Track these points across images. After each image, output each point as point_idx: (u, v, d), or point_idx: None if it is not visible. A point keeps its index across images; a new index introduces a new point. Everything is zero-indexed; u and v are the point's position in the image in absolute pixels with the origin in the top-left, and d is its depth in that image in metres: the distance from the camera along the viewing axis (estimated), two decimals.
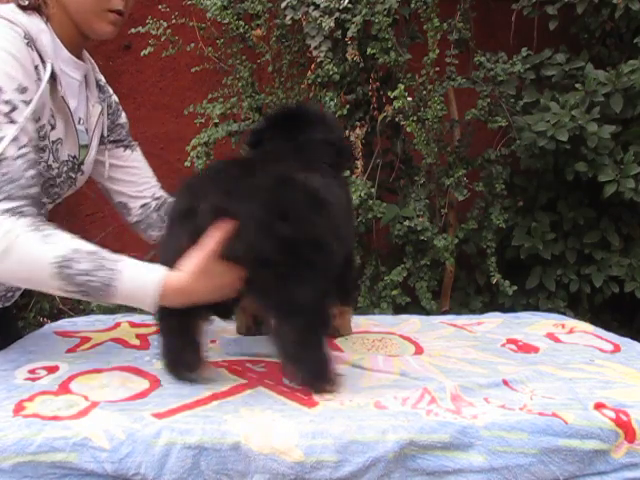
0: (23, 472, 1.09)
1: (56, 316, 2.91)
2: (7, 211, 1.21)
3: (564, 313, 2.43)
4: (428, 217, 2.62)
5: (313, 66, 2.57)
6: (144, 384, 1.30)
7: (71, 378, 1.33)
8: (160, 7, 2.75)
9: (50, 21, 1.38)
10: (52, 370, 1.38)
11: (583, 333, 1.71)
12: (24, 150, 1.26)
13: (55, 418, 1.15)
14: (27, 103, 1.28)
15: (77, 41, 1.46)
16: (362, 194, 2.47)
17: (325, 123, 1.48)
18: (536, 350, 1.55)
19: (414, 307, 2.61)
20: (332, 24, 2.43)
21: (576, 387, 1.28)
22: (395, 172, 2.76)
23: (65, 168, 1.46)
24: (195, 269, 1.17)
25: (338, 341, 1.59)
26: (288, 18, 2.56)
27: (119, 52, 3.26)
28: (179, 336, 1.26)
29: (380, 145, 2.71)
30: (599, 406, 1.18)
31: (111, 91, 1.66)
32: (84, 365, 1.41)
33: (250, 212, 1.07)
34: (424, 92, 2.59)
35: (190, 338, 1.27)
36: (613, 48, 2.84)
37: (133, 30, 2.72)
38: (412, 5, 2.51)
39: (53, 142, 1.39)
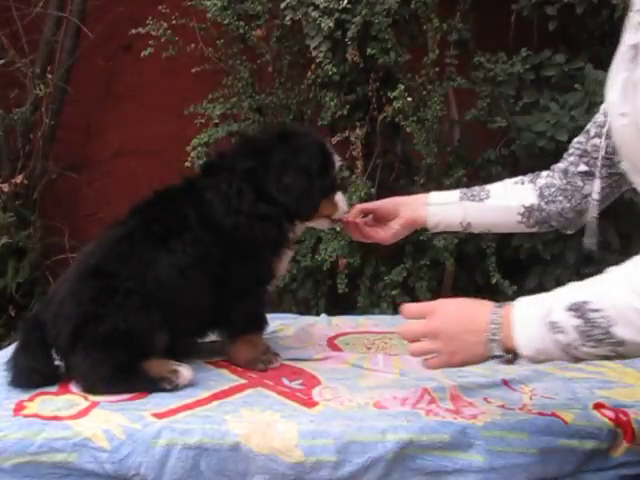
0: (24, 472, 1.09)
1: None
2: None
3: None
4: None
5: (313, 66, 2.57)
6: None
7: (71, 378, 1.33)
8: (160, 7, 2.75)
9: None
10: None
11: None
12: None
13: (55, 418, 1.15)
14: None
15: None
16: (362, 194, 2.47)
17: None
18: None
19: None
20: (331, 24, 2.43)
21: (576, 387, 1.29)
22: (395, 172, 2.76)
23: None
24: None
25: (339, 341, 1.60)
26: (288, 19, 2.56)
27: (119, 52, 3.26)
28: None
29: (380, 145, 2.71)
30: (598, 406, 1.18)
31: None
32: None
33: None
34: (424, 92, 2.59)
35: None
36: (613, 48, 2.83)
37: (133, 30, 2.71)
38: (412, 5, 2.51)
39: None
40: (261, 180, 1.37)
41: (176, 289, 1.33)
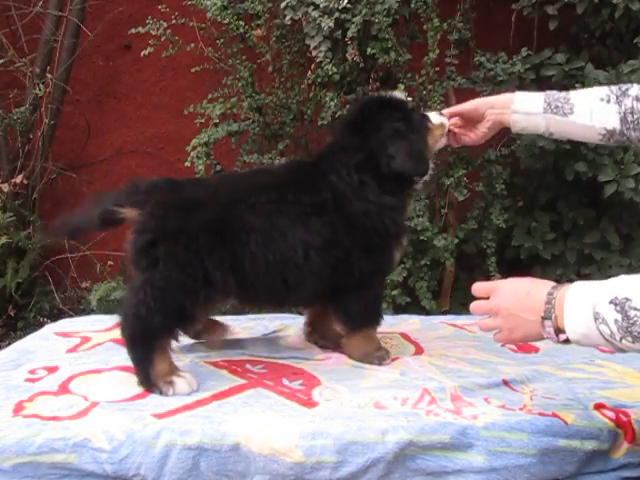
0: (23, 472, 1.09)
1: (56, 316, 2.90)
2: None
3: None
4: (428, 217, 2.61)
5: (313, 66, 2.57)
6: None
7: (71, 378, 1.33)
8: (160, 7, 2.75)
9: None
10: (52, 370, 1.38)
11: None
12: None
13: (55, 418, 1.15)
14: None
15: None
16: None
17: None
18: (536, 350, 1.55)
19: (414, 307, 2.61)
20: (331, 24, 2.43)
21: (576, 387, 1.28)
22: None
23: None
24: None
25: None
26: (288, 18, 2.56)
27: (119, 52, 3.26)
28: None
29: None
30: (599, 406, 1.18)
31: None
32: (84, 365, 1.40)
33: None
34: (424, 92, 2.59)
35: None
36: (613, 48, 2.83)
37: (133, 30, 2.71)
38: (412, 5, 2.51)
39: None
40: (376, 167, 1.40)
41: (290, 265, 1.34)
